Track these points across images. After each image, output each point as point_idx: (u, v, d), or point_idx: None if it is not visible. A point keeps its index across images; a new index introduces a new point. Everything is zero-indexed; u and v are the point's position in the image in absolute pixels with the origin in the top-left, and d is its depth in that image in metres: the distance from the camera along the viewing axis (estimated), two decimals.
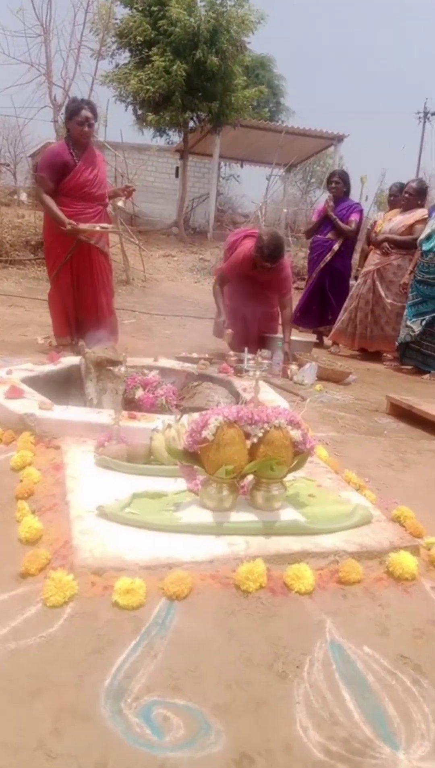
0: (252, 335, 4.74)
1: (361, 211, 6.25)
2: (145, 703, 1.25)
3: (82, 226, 4.09)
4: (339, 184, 6.14)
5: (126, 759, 1.12)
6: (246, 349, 4.25)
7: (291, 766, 1.16)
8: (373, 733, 1.25)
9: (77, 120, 4.11)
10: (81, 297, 4.33)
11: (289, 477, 2.00)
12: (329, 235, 6.17)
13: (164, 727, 1.20)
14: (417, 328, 5.25)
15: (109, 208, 4.72)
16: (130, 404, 2.90)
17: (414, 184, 5.92)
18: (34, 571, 1.62)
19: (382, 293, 5.81)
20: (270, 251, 4.36)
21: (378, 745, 1.23)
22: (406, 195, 5.84)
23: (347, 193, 6.29)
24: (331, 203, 6.12)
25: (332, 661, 1.43)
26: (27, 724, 1.17)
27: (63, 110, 10.82)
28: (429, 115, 32.05)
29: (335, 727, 1.26)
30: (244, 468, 1.85)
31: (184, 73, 12.65)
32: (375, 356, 5.97)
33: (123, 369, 2.52)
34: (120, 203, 4.37)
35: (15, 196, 14.20)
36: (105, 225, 4.18)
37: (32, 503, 1.98)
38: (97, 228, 4.16)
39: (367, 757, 1.20)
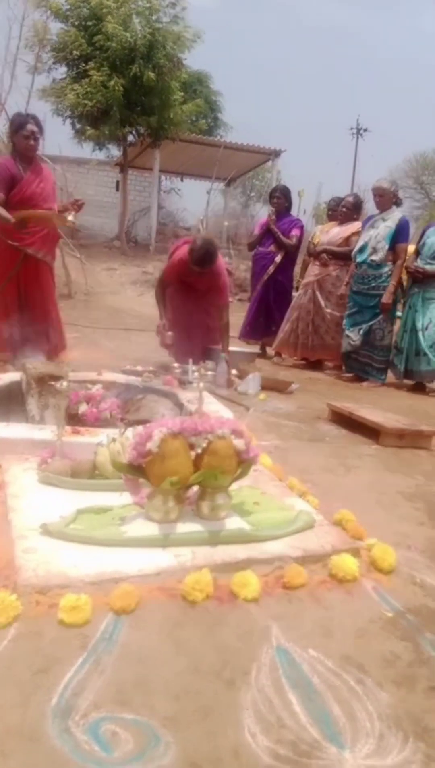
0: (195, 347, 4.76)
1: (302, 227, 6.40)
2: (93, 720, 1.24)
3: (25, 213, 4.05)
4: (280, 200, 6.29)
5: None
6: (190, 360, 4.28)
7: None
8: (320, 734, 1.28)
9: (23, 134, 4.10)
10: (30, 310, 4.25)
11: (234, 486, 2.03)
12: (271, 248, 6.29)
13: (112, 742, 1.19)
14: (356, 337, 5.40)
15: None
16: (74, 419, 2.88)
17: (351, 199, 6.16)
18: None
19: (322, 303, 5.96)
20: (200, 255, 4.41)
21: (325, 745, 1.25)
22: (344, 209, 6.05)
23: (289, 208, 6.45)
24: (274, 217, 6.24)
25: (278, 666, 1.45)
26: None
27: (1, 124, 10.67)
28: (362, 131, 33.22)
29: (283, 731, 1.28)
30: (189, 479, 1.86)
31: (121, 88, 12.67)
32: (317, 365, 6.10)
33: (66, 384, 2.50)
34: (70, 218, 4.31)
35: None
36: (51, 213, 4.14)
37: None
38: (41, 212, 4.12)
39: (314, 758, 1.22)
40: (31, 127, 4.11)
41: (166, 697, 1.33)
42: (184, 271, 4.62)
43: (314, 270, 6.07)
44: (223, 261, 4.88)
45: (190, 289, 4.70)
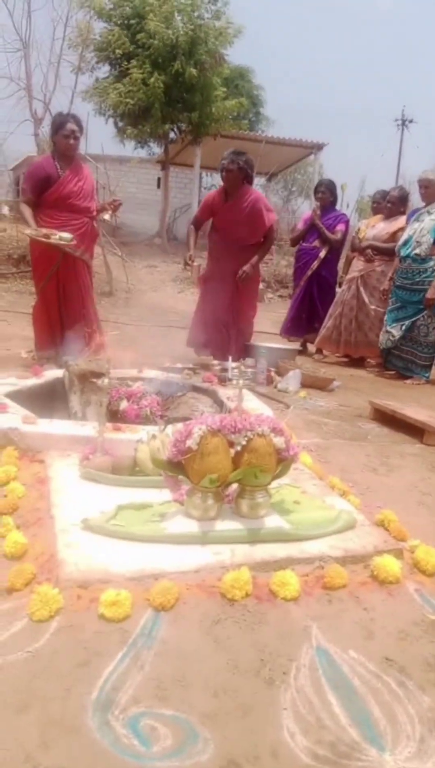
0: (226, 301, 4.75)
1: (347, 222, 6.30)
2: (133, 714, 1.25)
3: (33, 232, 4.11)
4: (325, 194, 6.21)
5: None
6: (230, 357, 4.28)
7: None
8: (360, 736, 1.26)
9: (63, 133, 4.17)
10: (68, 308, 4.33)
11: (274, 484, 2.02)
12: (315, 243, 6.21)
13: (152, 737, 1.21)
14: (397, 333, 5.31)
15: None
16: (115, 416, 2.91)
17: (395, 193, 6.02)
18: (20, 586, 1.62)
19: (366, 299, 5.87)
20: (230, 152, 4.68)
21: (364, 747, 1.24)
22: (389, 204, 5.94)
23: (334, 203, 6.36)
24: (318, 211, 6.17)
25: (318, 666, 1.44)
26: (14, 738, 1.17)
27: (47, 124, 10.85)
28: (407, 122, 32.51)
29: (322, 731, 1.27)
30: (228, 476, 1.86)
31: (162, 85, 12.74)
32: (358, 362, 6.02)
33: (106, 381, 2.53)
34: (106, 217, 4.38)
35: None
36: (63, 235, 4.12)
37: (17, 518, 1.98)
38: (56, 237, 4.10)
39: (353, 760, 1.21)
40: (71, 126, 4.17)
41: (204, 693, 1.33)
42: (217, 202, 4.76)
43: (358, 265, 5.97)
44: (261, 196, 4.93)
45: (225, 238, 4.73)
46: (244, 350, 4.86)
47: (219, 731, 1.24)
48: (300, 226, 6.61)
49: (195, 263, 4.87)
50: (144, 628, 1.50)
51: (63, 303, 4.33)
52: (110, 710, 1.26)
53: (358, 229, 6.25)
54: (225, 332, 4.85)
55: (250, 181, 4.82)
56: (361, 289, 5.90)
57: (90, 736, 1.19)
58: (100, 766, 1.13)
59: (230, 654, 1.45)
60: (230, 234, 4.75)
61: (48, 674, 1.34)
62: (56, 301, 4.32)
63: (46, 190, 4.18)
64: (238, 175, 4.66)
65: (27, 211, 4.17)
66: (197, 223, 5.03)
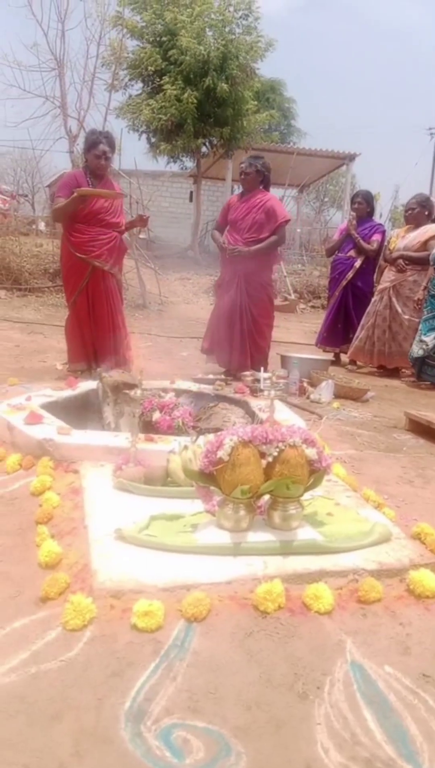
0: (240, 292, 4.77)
1: (383, 232, 6.26)
2: (165, 726, 1.25)
3: (84, 190, 4.18)
4: (362, 205, 6.19)
5: None
6: (262, 368, 4.27)
7: None
8: (396, 753, 1.23)
9: (95, 153, 4.25)
10: (97, 321, 4.39)
11: (307, 496, 2.00)
12: (351, 253, 6.19)
13: (184, 749, 1.20)
14: (431, 342, 5.22)
15: (126, 235, 4.81)
16: (148, 427, 2.93)
17: (413, 200, 6.00)
18: (54, 595, 1.63)
19: (399, 309, 5.81)
20: (248, 157, 4.91)
21: (400, 764, 1.21)
22: (408, 211, 5.94)
23: (370, 213, 6.35)
24: (354, 221, 6.15)
25: (353, 681, 1.42)
26: (47, 747, 1.17)
27: (81, 141, 11.07)
28: None
29: (357, 748, 1.24)
30: (260, 488, 1.85)
31: (195, 101, 12.90)
32: (393, 373, 5.94)
33: (139, 392, 2.55)
34: (142, 236, 4.50)
35: (33, 226, 14.51)
36: (110, 191, 4.30)
37: (52, 527, 2.00)
38: (99, 189, 4.26)
39: None
40: (103, 147, 4.24)
41: (237, 706, 1.32)
42: (230, 207, 4.89)
43: (390, 276, 5.92)
44: (274, 197, 5.00)
45: (235, 235, 4.78)
46: (257, 360, 4.82)
47: (252, 745, 1.22)
48: (336, 236, 6.60)
49: (229, 246, 4.88)
50: (176, 639, 1.49)
51: (93, 316, 4.38)
52: (143, 721, 1.25)
53: (389, 240, 6.20)
54: (230, 339, 4.82)
55: (266, 185, 4.89)
56: (394, 299, 5.84)
57: (122, 746, 1.19)
58: None
59: (263, 667, 1.44)
60: (240, 227, 4.76)
61: (81, 683, 1.34)
62: (87, 314, 4.37)
63: (78, 205, 4.24)
64: (256, 178, 4.80)
65: (63, 204, 4.23)
66: (218, 227, 5.12)
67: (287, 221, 4.89)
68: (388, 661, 1.50)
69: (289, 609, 1.63)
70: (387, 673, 1.46)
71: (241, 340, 4.80)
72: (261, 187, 4.83)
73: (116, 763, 1.15)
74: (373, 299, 6.05)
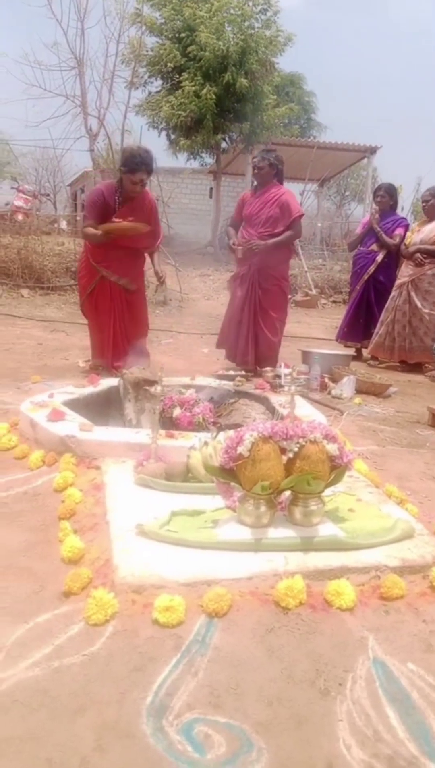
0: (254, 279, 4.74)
1: (406, 226, 6.18)
2: (187, 721, 1.25)
3: (108, 226, 4.11)
4: (385, 198, 6.13)
5: None
6: (282, 363, 4.25)
7: None
8: (419, 750, 1.22)
9: (132, 179, 4.07)
10: (102, 326, 4.35)
11: (328, 492, 1.99)
12: (373, 247, 6.13)
13: (206, 744, 1.20)
14: None
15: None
16: (168, 423, 2.94)
17: (428, 192, 5.92)
18: (77, 590, 1.65)
19: (419, 304, 5.73)
20: (260, 151, 4.91)
21: (423, 762, 1.20)
22: (423, 203, 5.87)
23: (393, 207, 6.28)
24: (377, 215, 6.09)
25: (375, 678, 1.41)
26: (70, 741, 1.18)
27: (102, 140, 11.12)
28: None
29: (379, 745, 1.23)
30: (280, 484, 1.85)
31: (214, 96, 12.87)
32: (415, 367, 5.88)
33: (160, 389, 2.55)
34: (160, 297, 4.38)
35: (55, 225, 14.62)
36: (136, 225, 4.14)
37: (74, 523, 2.02)
38: (125, 224, 4.14)
39: None
40: (141, 176, 4.08)
41: (259, 702, 1.32)
42: (244, 202, 4.85)
43: (408, 270, 5.85)
44: (288, 191, 4.94)
45: (250, 231, 4.76)
46: (265, 356, 4.80)
47: (273, 741, 1.22)
48: (359, 230, 6.54)
49: (240, 247, 4.86)
50: (197, 634, 1.50)
51: (99, 320, 4.36)
52: (164, 716, 1.26)
53: (403, 238, 6.11)
54: (240, 333, 4.80)
55: (280, 178, 4.85)
56: (413, 293, 5.77)
57: (144, 741, 1.20)
58: None
59: (284, 663, 1.44)
60: (255, 222, 4.74)
61: (104, 678, 1.35)
62: (95, 316, 4.38)
63: (104, 219, 4.18)
64: (269, 172, 4.75)
65: (90, 230, 4.18)
66: (234, 224, 5.09)
67: (301, 216, 4.86)
68: (411, 658, 1.49)
69: (311, 605, 1.62)
70: (410, 670, 1.45)
71: (248, 333, 4.77)
72: (275, 181, 4.80)
73: (138, 758, 1.16)
74: (392, 294, 5.99)
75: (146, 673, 1.37)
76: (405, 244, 5.91)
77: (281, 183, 4.89)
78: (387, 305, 5.95)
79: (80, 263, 4.62)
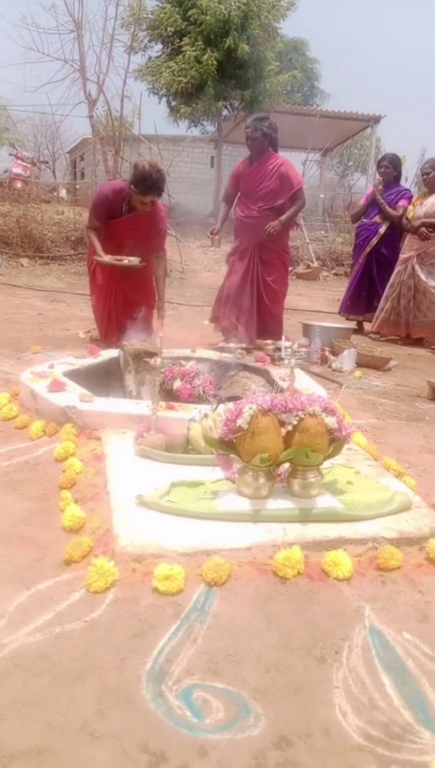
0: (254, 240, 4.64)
1: (410, 198, 6.05)
2: (186, 686, 1.28)
3: (105, 258, 4.00)
4: (389, 169, 6.01)
5: (167, 740, 1.15)
6: (283, 336, 4.24)
7: (330, 750, 1.17)
8: (413, 718, 1.25)
9: (142, 200, 3.94)
10: (110, 296, 4.29)
11: (327, 464, 2.00)
12: (375, 219, 6.04)
13: (204, 709, 1.23)
14: None
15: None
16: (169, 395, 2.94)
17: (428, 164, 5.81)
18: (78, 558, 1.67)
19: (423, 278, 5.69)
20: (253, 120, 4.64)
21: (418, 729, 1.23)
22: (424, 176, 5.77)
23: (397, 178, 6.15)
24: (380, 186, 6.00)
25: (371, 647, 1.43)
26: (71, 706, 1.21)
27: (101, 106, 10.90)
28: None
29: (374, 712, 1.26)
30: (279, 456, 1.85)
31: (215, 62, 12.58)
32: (417, 341, 5.86)
33: (160, 360, 2.55)
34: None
35: (55, 193, 14.43)
36: (132, 259, 4.01)
37: (75, 493, 2.03)
38: (125, 262, 4.00)
39: (406, 742, 1.20)
40: (151, 197, 3.95)
41: (256, 669, 1.34)
42: (240, 175, 4.69)
43: (413, 244, 5.78)
44: (288, 161, 4.79)
45: (250, 205, 4.64)
46: (270, 329, 4.76)
47: (271, 707, 1.25)
48: (362, 201, 6.43)
49: (217, 237, 4.81)
50: (196, 602, 1.52)
51: (106, 291, 4.30)
52: (164, 681, 1.28)
53: (405, 208, 6.01)
54: (238, 307, 4.70)
55: (275, 147, 4.67)
56: (417, 267, 5.72)
57: (144, 706, 1.22)
58: (154, 735, 1.16)
59: (282, 631, 1.46)
60: (254, 196, 4.61)
61: (104, 644, 1.38)
62: (102, 286, 4.32)
63: (108, 220, 4.11)
64: (263, 141, 4.56)
65: (94, 239, 4.09)
66: (227, 197, 4.93)
67: (302, 186, 4.74)
68: (406, 627, 1.51)
69: (308, 575, 1.64)
70: (405, 639, 1.47)
71: (252, 309, 4.69)
72: (270, 150, 4.62)
73: (138, 722, 1.18)
74: (396, 269, 5.93)
75: (146, 640, 1.39)
76: (407, 218, 5.82)
77: (276, 151, 4.72)
78: (392, 280, 5.90)
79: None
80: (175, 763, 1.11)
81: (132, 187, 3.93)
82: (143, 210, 4.02)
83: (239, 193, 4.78)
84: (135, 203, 4.01)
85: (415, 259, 5.73)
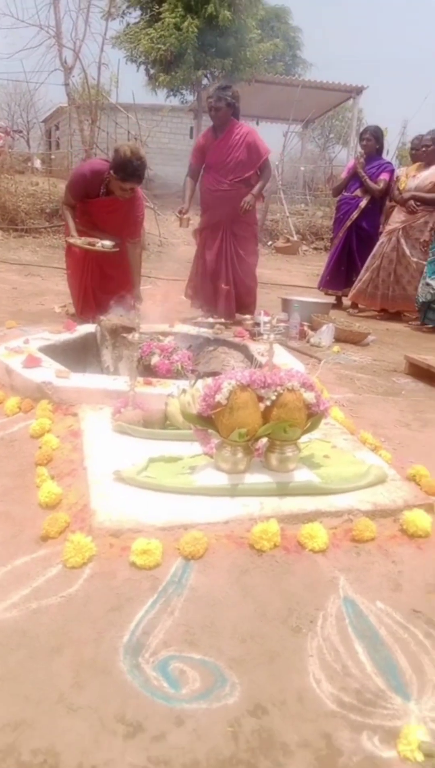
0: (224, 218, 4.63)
1: (392, 171, 6.02)
2: (163, 658, 1.30)
3: (77, 241, 3.94)
4: (371, 141, 5.95)
5: (144, 710, 1.17)
6: (262, 311, 4.23)
7: (304, 716, 1.20)
8: (385, 685, 1.28)
9: (121, 186, 3.88)
10: (89, 269, 4.23)
11: (304, 438, 2.02)
12: (356, 192, 6.00)
13: (181, 680, 1.25)
14: None
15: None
16: (147, 370, 2.93)
17: (428, 136, 5.75)
18: (54, 534, 1.66)
19: (407, 251, 5.68)
20: (215, 89, 4.62)
21: (390, 696, 1.26)
22: (423, 148, 5.69)
23: (379, 151, 6.09)
24: (362, 159, 5.94)
25: (345, 616, 1.46)
26: (48, 679, 1.22)
27: (77, 74, 10.61)
28: None
29: (347, 679, 1.29)
30: (257, 431, 1.86)
31: (195, 30, 12.31)
32: (395, 316, 5.90)
33: (138, 336, 2.53)
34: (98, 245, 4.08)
35: (29, 164, 14.11)
36: (106, 243, 3.93)
37: (51, 469, 2.02)
38: (98, 245, 3.92)
39: (378, 708, 1.23)
40: (131, 185, 3.89)
41: (232, 640, 1.37)
42: (206, 147, 4.65)
43: (400, 217, 5.77)
44: (253, 129, 4.74)
45: (218, 178, 4.61)
46: (245, 302, 4.75)
47: (246, 676, 1.27)
48: (343, 174, 6.38)
49: (186, 216, 4.77)
50: (174, 575, 1.53)
51: (85, 264, 4.23)
52: (141, 653, 1.30)
53: (398, 179, 5.99)
54: (214, 283, 4.71)
55: (237, 116, 4.60)
56: (402, 240, 5.72)
57: (121, 677, 1.24)
58: (131, 706, 1.17)
59: (258, 602, 1.48)
60: (223, 169, 4.56)
61: (81, 618, 1.38)
62: (80, 260, 4.24)
63: (84, 199, 4.03)
64: (227, 111, 4.51)
65: (69, 217, 4.03)
66: (192, 172, 4.84)
67: (269, 154, 4.68)
68: (379, 597, 1.54)
69: (284, 548, 1.66)
70: (378, 608, 1.50)
71: (226, 282, 4.67)
72: (233, 120, 4.56)
73: (115, 693, 1.20)
74: (380, 241, 5.92)
75: (123, 613, 1.41)
76: (399, 189, 5.79)
77: (238, 119, 4.64)
78: (374, 251, 5.89)
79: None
80: (152, 732, 1.13)
81: (112, 172, 3.86)
82: (122, 196, 3.96)
83: (205, 166, 4.70)
84: (114, 188, 3.94)
85: (400, 232, 5.73)
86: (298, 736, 1.15)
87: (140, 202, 4.23)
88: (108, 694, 1.19)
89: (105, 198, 4.02)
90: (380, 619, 1.47)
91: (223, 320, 4.33)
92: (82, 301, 4.24)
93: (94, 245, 3.93)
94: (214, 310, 4.71)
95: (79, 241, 3.94)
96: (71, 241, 3.99)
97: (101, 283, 4.16)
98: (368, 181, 5.88)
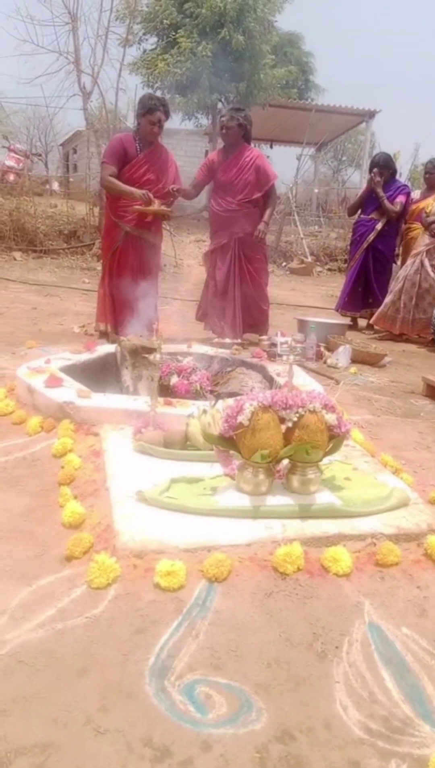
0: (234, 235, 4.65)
1: (408, 194, 6.07)
2: (188, 681, 1.29)
3: (139, 207, 4.11)
4: (383, 173, 6.01)
5: (171, 735, 1.16)
6: (278, 332, 4.25)
7: (332, 743, 1.19)
8: (413, 712, 1.27)
9: (150, 119, 4.11)
10: (122, 286, 4.30)
11: (325, 461, 2.01)
12: (373, 215, 6.05)
13: (207, 704, 1.24)
14: None
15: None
16: (166, 390, 2.94)
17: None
18: (79, 554, 1.67)
19: (430, 272, 5.69)
20: (229, 109, 4.77)
21: (417, 723, 1.24)
22: (427, 175, 5.81)
23: (393, 175, 6.18)
24: (378, 178, 5.98)
25: (371, 642, 1.45)
26: (75, 701, 1.22)
27: (95, 98, 10.83)
28: None
29: (374, 706, 1.28)
30: (279, 452, 1.86)
31: (209, 54, 12.52)
32: (411, 338, 5.87)
33: (158, 356, 2.55)
34: (154, 206, 4.24)
35: (47, 186, 14.34)
36: (163, 209, 4.18)
37: (74, 489, 2.04)
38: (155, 205, 4.13)
39: (406, 735, 1.22)
40: (159, 115, 4.11)
41: (258, 664, 1.36)
42: (215, 166, 4.72)
43: (425, 240, 5.79)
44: (262, 153, 4.82)
45: (226, 198, 4.65)
46: (258, 322, 4.77)
47: (272, 701, 1.26)
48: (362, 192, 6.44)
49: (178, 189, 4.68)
50: (198, 598, 1.53)
51: (119, 281, 4.30)
52: (166, 677, 1.29)
53: (427, 204, 6.00)
54: (226, 306, 4.72)
55: (248, 139, 4.70)
56: (426, 262, 5.72)
57: (147, 701, 1.23)
58: (158, 730, 1.17)
59: (283, 627, 1.47)
60: (232, 189, 4.62)
61: (106, 640, 1.38)
62: (115, 277, 4.31)
63: (123, 166, 4.17)
64: (238, 132, 4.60)
65: (117, 182, 4.16)
66: (195, 185, 4.88)
67: (276, 180, 4.78)
68: (405, 622, 1.53)
69: (308, 571, 1.65)
70: (404, 634, 1.49)
71: (235, 304, 4.69)
72: (243, 142, 4.65)
73: (142, 717, 1.19)
74: (405, 263, 5.93)
75: (148, 636, 1.40)
76: (426, 212, 5.82)
77: (249, 143, 4.74)
78: (399, 274, 5.89)
79: (105, 223, 4.60)
80: (180, 757, 1.12)
81: (139, 112, 4.17)
82: (151, 133, 4.18)
83: (213, 186, 4.78)
84: (145, 132, 4.18)
85: (424, 254, 5.74)
86: (326, 763, 1.14)
87: (174, 161, 4.45)
88: (135, 718, 1.19)
89: (144, 153, 4.21)
90: (406, 645, 1.46)
91: (239, 341, 4.35)
92: (103, 306, 4.35)
93: (152, 204, 4.12)
94: (224, 328, 4.74)
95: (138, 192, 4.10)
96: (135, 208, 4.14)
97: (120, 292, 4.28)
98: (386, 201, 5.92)
